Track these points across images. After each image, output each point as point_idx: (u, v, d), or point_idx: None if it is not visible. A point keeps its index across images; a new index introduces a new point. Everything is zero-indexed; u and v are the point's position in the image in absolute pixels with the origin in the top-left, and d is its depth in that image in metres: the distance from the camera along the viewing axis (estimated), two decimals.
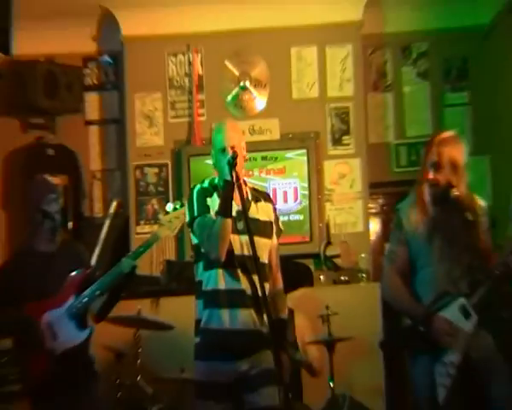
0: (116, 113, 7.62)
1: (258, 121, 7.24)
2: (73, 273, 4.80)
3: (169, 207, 4.76)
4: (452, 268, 4.54)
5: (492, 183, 7.38)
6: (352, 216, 7.12)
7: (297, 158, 7.10)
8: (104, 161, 7.61)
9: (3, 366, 5.46)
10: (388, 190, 7.62)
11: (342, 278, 6.82)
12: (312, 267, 6.91)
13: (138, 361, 5.77)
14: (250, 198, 4.54)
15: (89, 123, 7.65)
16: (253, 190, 4.64)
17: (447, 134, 4.68)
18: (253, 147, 6.85)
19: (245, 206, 4.28)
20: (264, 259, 4.52)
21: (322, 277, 6.86)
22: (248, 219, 4.24)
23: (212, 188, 4.56)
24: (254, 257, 4.18)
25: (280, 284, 4.74)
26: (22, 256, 4.95)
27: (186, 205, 4.61)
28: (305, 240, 7.02)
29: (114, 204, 7.05)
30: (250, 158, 6.87)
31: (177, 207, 4.72)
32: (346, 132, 7.22)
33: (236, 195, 4.32)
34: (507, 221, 6.47)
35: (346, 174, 7.17)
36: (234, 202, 4.36)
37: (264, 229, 4.52)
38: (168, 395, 5.84)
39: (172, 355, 6.00)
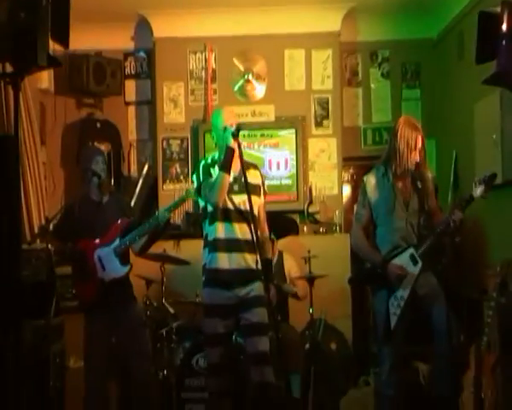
0: (148, 96, 7.53)
1: (258, 106, 7.18)
2: (119, 220, 4.78)
3: (194, 178, 4.76)
4: (405, 226, 4.56)
5: (437, 160, 7.38)
6: (329, 182, 7.08)
7: (288, 136, 7.04)
8: (139, 133, 7.54)
9: (63, 287, 5.47)
10: (357, 163, 7.59)
11: (321, 229, 6.84)
12: (298, 220, 6.94)
13: (163, 287, 5.78)
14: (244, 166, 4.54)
15: (127, 103, 7.57)
16: (245, 161, 4.60)
17: (414, 120, 4.66)
18: (253, 126, 6.88)
19: (244, 169, 4.34)
20: (255, 212, 4.51)
21: (305, 228, 6.88)
22: (243, 184, 4.37)
23: (213, 162, 4.61)
24: (251, 207, 4.28)
25: (266, 233, 4.81)
26: (79, 203, 4.97)
27: (194, 176, 4.65)
28: (293, 199, 6.98)
29: (146, 167, 7.06)
30: (251, 134, 6.94)
31: None
32: (326, 117, 7.17)
33: (235, 162, 4.40)
34: (447, 189, 6.53)
35: (325, 149, 7.14)
36: (231, 170, 4.43)
37: (254, 189, 4.57)
38: (186, 314, 5.86)
39: (189, 284, 6.02)
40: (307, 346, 5.59)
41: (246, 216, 4.50)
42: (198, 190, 4.60)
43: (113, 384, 5.55)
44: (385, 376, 4.60)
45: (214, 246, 4.55)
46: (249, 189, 4.38)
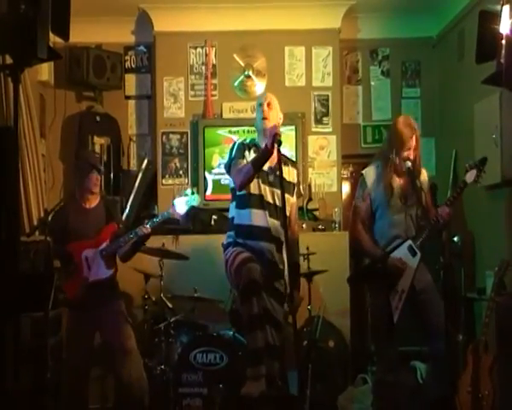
0: (148, 90, 7.49)
1: None
2: (108, 225, 4.97)
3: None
4: (404, 218, 4.57)
5: (436, 158, 7.37)
6: (329, 179, 7.03)
7: (287, 132, 6.91)
8: (138, 128, 7.49)
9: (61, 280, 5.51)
10: (356, 161, 7.55)
11: (319, 226, 6.77)
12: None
13: (161, 282, 5.74)
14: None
15: (127, 98, 7.52)
16: (283, 156, 4.58)
17: (411, 120, 4.69)
18: (253, 122, 6.82)
19: (281, 170, 4.17)
20: (287, 211, 4.42)
21: (304, 225, 6.80)
22: (278, 178, 4.32)
23: (250, 145, 4.65)
24: (283, 204, 4.10)
25: (297, 234, 4.79)
26: (70, 208, 5.11)
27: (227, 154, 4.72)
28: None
29: (146, 161, 7.04)
30: (251, 130, 6.82)
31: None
32: (326, 114, 7.13)
33: (274, 157, 4.32)
34: (447, 188, 6.53)
35: (324, 147, 7.09)
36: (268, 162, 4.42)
37: (288, 187, 4.54)
38: (184, 309, 5.83)
39: (187, 279, 6.01)
40: (305, 343, 5.57)
41: (277, 211, 4.52)
42: (228, 167, 4.61)
43: (111, 378, 5.55)
44: (383, 374, 4.58)
45: (243, 232, 4.55)
46: (283, 185, 4.33)
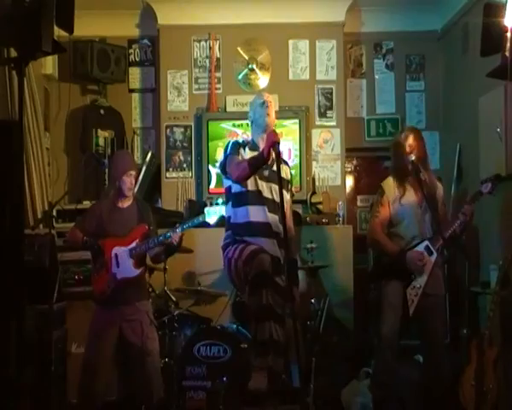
0: (152, 84, 7.49)
1: None
2: (139, 226, 4.94)
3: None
4: (420, 222, 4.61)
5: (440, 152, 7.36)
6: (332, 173, 7.03)
7: (291, 126, 6.98)
8: (142, 121, 7.49)
9: (66, 273, 5.52)
10: (360, 154, 7.58)
11: (323, 220, 6.73)
12: (301, 211, 6.83)
13: (165, 275, 5.72)
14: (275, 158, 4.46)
15: (131, 91, 7.53)
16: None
17: (415, 131, 4.80)
18: None
19: (279, 169, 4.02)
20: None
21: (308, 218, 6.77)
22: (274, 173, 4.30)
23: (244, 144, 4.62)
24: (281, 200, 4.04)
25: (293, 232, 4.74)
26: (105, 206, 5.07)
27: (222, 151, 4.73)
28: (296, 190, 6.77)
29: (149, 154, 7.03)
30: None
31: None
32: (330, 108, 7.11)
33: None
34: (451, 182, 6.53)
35: (328, 140, 7.08)
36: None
37: (283, 184, 4.46)
38: (188, 302, 5.83)
39: (191, 272, 5.99)
40: (309, 337, 5.56)
41: (275, 206, 4.49)
42: (223, 166, 4.60)
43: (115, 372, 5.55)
44: (384, 368, 4.63)
45: (243, 230, 4.52)
46: (281, 183, 4.24)
